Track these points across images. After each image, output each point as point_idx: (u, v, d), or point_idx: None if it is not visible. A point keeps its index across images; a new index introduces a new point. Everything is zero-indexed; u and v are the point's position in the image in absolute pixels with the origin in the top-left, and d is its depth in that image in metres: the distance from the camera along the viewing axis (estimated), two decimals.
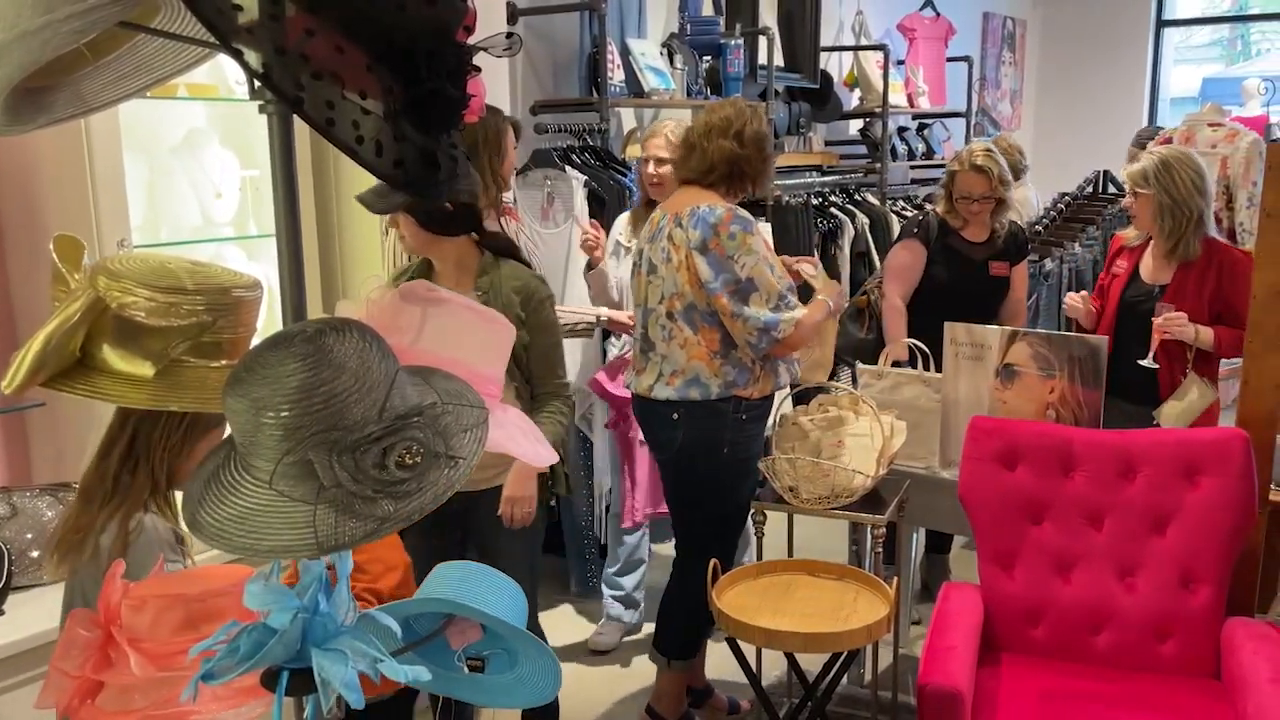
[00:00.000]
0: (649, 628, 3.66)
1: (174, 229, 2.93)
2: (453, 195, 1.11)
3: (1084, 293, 3.51)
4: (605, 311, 3.42)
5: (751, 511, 2.99)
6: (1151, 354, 3.17)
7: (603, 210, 3.85)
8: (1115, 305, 3.36)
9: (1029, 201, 5.50)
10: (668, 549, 4.45)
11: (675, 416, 2.86)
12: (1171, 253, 3.23)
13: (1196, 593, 2.57)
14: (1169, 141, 5.62)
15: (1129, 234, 3.46)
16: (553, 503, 2.69)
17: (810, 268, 3.11)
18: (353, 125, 1.02)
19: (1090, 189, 6.01)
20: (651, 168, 3.35)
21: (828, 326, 3.14)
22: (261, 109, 1.17)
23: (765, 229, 3.49)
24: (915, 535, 3.71)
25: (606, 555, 3.83)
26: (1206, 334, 3.14)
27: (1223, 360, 3.31)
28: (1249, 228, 5.26)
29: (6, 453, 2.69)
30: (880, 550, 2.84)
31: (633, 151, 4.45)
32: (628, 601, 3.76)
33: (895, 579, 2.63)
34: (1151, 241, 3.32)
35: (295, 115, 1.04)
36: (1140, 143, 5.75)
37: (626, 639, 3.75)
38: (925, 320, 3.35)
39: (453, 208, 2.32)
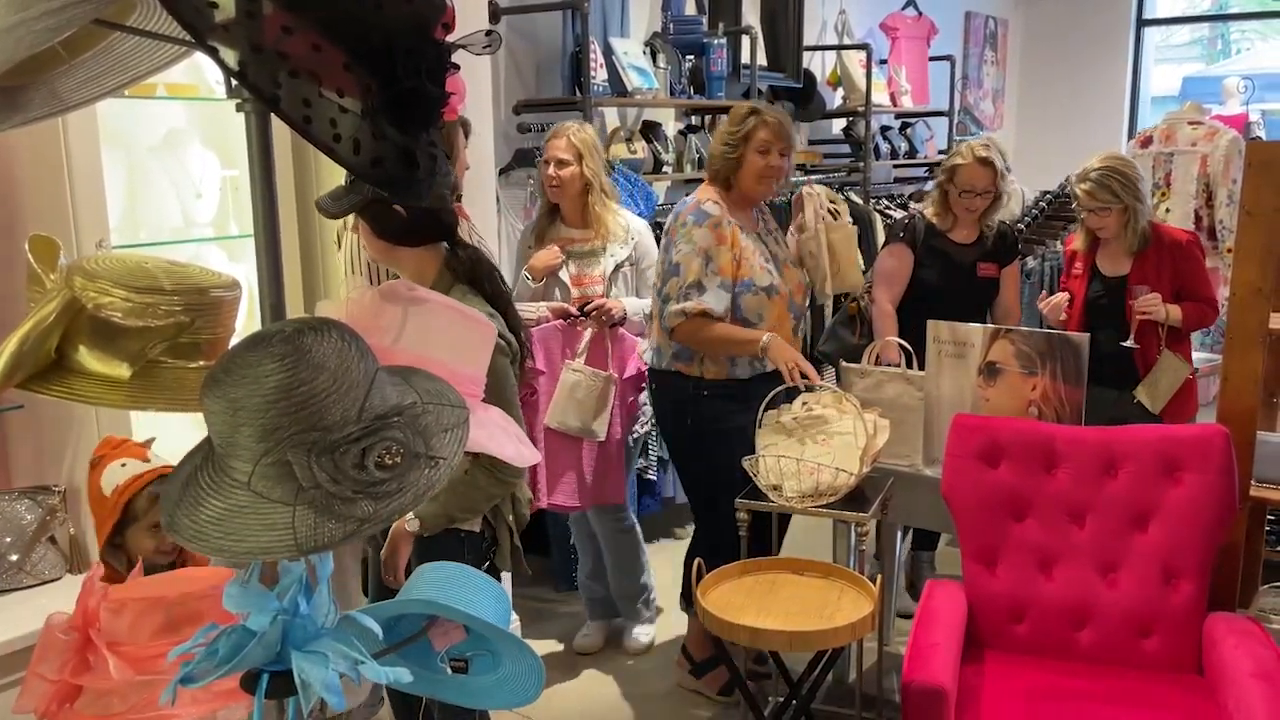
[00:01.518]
0: (636, 629, 3.66)
1: (153, 229, 2.92)
2: (412, 200, 1.09)
3: (1063, 295, 3.57)
4: (544, 305, 3.38)
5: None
6: (1132, 335, 3.37)
7: None
8: (1082, 303, 3.52)
9: (1013, 198, 5.52)
10: (657, 548, 4.45)
11: (653, 386, 3.28)
12: (1134, 247, 3.42)
13: (1178, 588, 2.58)
14: (1150, 140, 5.66)
15: (1079, 243, 3.60)
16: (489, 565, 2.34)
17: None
18: (330, 123, 1.02)
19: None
20: (551, 169, 3.31)
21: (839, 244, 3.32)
22: (239, 107, 1.16)
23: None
24: (899, 533, 3.72)
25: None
26: (1175, 312, 3.36)
27: (1203, 356, 3.42)
28: (1229, 225, 5.30)
29: None
30: (865, 549, 2.84)
31: (616, 151, 4.45)
32: (605, 603, 3.73)
33: (879, 576, 2.64)
34: (1103, 241, 3.48)
35: (272, 113, 1.03)
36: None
37: (611, 636, 3.74)
38: (915, 323, 3.34)
39: (409, 216, 2.12)
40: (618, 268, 3.37)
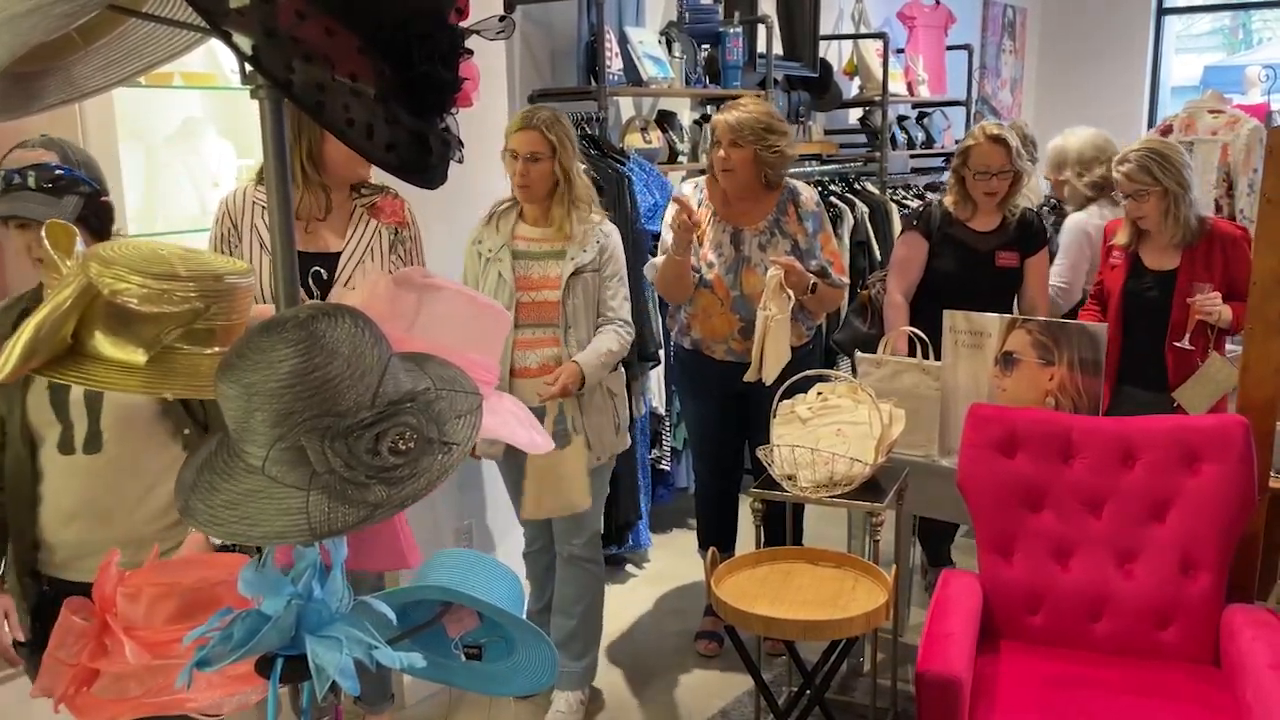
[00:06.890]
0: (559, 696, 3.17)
1: (170, 218, 2.93)
2: (426, 185, 1.09)
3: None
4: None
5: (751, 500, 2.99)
6: (1188, 336, 3.21)
7: (602, 199, 3.83)
8: (1119, 296, 3.37)
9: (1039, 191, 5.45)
10: (669, 538, 4.46)
11: None
12: (1178, 239, 3.26)
13: (1196, 579, 2.56)
14: (1169, 129, 5.60)
15: (1122, 236, 3.40)
16: None
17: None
18: (343, 108, 1.02)
19: None
20: (521, 166, 2.92)
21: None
22: (253, 93, 1.16)
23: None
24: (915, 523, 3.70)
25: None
26: (1226, 312, 3.18)
27: (1230, 348, 3.33)
28: (1249, 214, 5.24)
29: None
30: (879, 539, 2.83)
31: (631, 140, 4.44)
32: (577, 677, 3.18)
33: (895, 566, 2.63)
34: (1147, 233, 3.33)
35: (286, 99, 1.03)
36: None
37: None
38: (930, 314, 3.28)
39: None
40: (576, 273, 2.94)
